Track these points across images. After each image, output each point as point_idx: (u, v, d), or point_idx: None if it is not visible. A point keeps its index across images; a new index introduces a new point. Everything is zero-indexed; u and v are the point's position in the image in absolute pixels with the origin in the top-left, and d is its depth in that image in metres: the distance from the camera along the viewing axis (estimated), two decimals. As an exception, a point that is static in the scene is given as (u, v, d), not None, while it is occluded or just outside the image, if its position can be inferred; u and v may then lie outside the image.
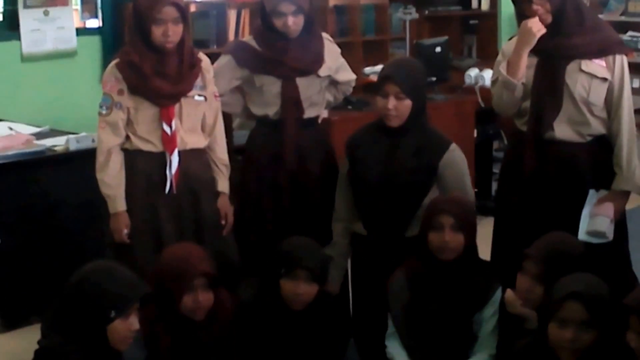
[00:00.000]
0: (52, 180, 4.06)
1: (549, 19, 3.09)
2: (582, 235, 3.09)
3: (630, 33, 7.03)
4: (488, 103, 4.10)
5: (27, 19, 5.14)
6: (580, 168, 3.18)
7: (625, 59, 3.20)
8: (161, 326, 2.81)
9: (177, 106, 3.23)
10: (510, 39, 3.45)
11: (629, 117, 3.19)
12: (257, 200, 3.54)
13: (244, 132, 4.31)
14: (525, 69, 3.15)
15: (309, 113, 3.53)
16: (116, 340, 2.43)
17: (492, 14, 7.21)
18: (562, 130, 3.15)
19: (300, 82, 3.48)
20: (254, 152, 3.59)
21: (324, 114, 3.80)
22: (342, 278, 3.40)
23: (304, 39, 3.45)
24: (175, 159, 3.22)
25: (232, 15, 5.67)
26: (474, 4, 7.28)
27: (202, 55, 3.34)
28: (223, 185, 3.40)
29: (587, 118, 3.16)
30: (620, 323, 2.33)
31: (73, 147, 4.11)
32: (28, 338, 2.91)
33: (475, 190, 4.14)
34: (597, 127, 3.18)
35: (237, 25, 5.70)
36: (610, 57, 3.16)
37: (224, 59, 3.54)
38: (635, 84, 6.43)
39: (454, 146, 3.21)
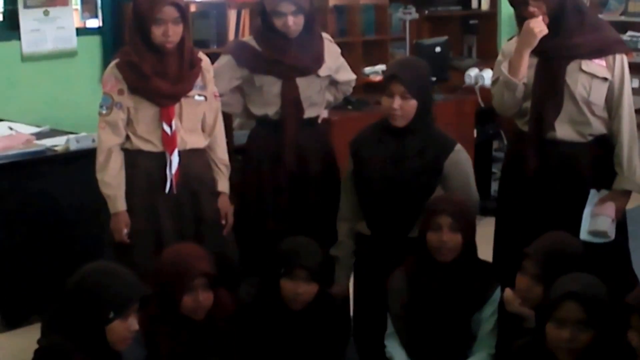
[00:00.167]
0: (52, 180, 4.05)
1: (546, 20, 3.09)
2: (583, 235, 3.09)
3: (630, 33, 7.03)
4: (488, 103, 4.11)
5: (27, 18, 5.13)
6: (582, 168, 3.18)
7: (625, 59, 3.19)
8: (161, 326, 2.81)
9: (177, 106, 3.23)
10: (509, 39, 3.45)
11: (629, 117, 3.18)
12: (257, 200, 3.54)
13: (244, 132, 4.31)
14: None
15: (309, 113, 3.53)
16: (115, 340, 2.43)
17: (492, 14, 7.20)
18: (563, 130, 3.15)
19: (300, 82, 3.48)
20: (254, 152, 3.59)
21: (324, 114, 3.80)
22: (349, 278, 3.39)
23: (304, 39, 3.45)
24: (175, 158, 3.22)
25: (232, 15, 5.65)
26: (474, 4, 7.26)
27: (202, 55, 3.34)
28: (223, 185, 3.40)
29: (588, 118, 3.15)
30: (618, 322, 2.33)
31: (73, 147, 4.10)
32: (28, 337, 2.90)
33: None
34: (598, 127, 3.18)
35: (237, 25, 5.69)
36: (610, 57, 3.15)
37: (224, 59, 3.54)
38: (635, 84, 6.42)
39: (459, 146, 3.21)
